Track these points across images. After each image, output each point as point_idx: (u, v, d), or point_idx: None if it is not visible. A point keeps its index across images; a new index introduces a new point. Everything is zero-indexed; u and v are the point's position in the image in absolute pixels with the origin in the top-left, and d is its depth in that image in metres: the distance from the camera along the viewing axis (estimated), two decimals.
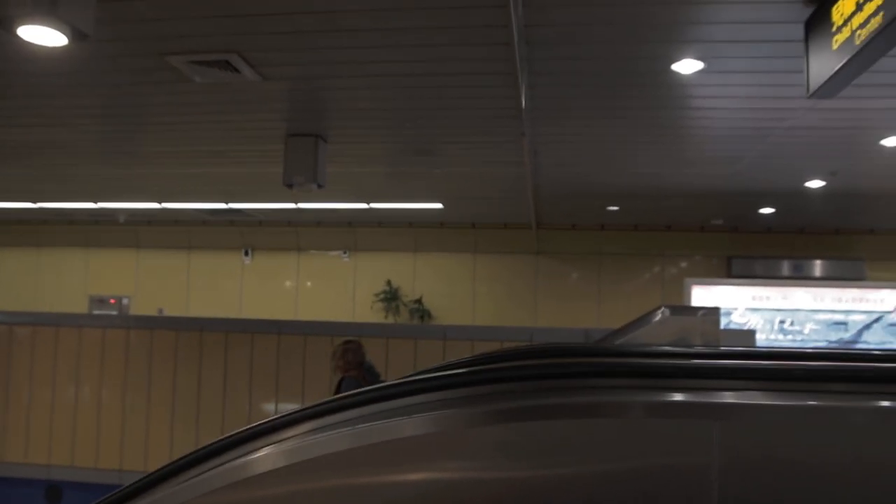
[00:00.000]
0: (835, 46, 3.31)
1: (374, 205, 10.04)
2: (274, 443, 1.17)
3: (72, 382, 6.82)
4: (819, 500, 0.85)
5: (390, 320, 11.50)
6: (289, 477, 1.08)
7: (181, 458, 1.18)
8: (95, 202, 10.45)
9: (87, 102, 5.82)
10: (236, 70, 4.84)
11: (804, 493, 0.85)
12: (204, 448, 1.18)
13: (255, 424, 1.21)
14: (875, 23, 2.87)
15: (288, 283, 12.33)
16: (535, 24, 4.18)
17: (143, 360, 6.72)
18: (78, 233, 12.52)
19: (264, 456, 1.13)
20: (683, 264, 11.56)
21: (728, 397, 0.97)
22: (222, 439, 1.23)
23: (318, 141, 6.50)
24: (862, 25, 3.00)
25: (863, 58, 3.12)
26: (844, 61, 3.21)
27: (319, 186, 6.61)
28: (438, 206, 9.95)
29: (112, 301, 12.51)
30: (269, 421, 1.20)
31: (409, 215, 10.95)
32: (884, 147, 6.40)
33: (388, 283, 11.73)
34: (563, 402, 1.00)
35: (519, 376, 1.07)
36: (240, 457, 1.17)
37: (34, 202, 10.69)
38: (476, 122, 6.06)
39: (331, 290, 12.00)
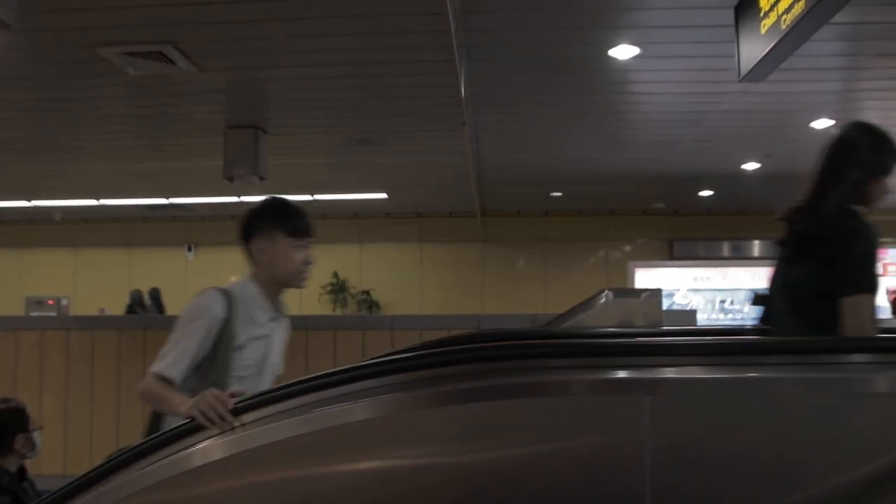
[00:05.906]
0: (763, 31, 3.41)
1: (318, 196, 9.94)
2: (214, 435, 1.16)
3: (8, 388, 6.61)
4: (743, 463, 0.89)
5: (338, 312, 11.42)
6: (231, 467, 1.08)
7: (118, 454, 1.16)
8: (29, 200, 10.11)
9: (15, 96, 5.62)
10: (171, 61, 4.73)
11: (728, 450, 0.89)
12: (140, 445, 1.16)
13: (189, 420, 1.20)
14: (798, 8, 2.97)
15: (233, 279, 12.08)
16: (472, 11, 4.19)
17: (85, 362, 6.55)
18: (11, 233, 12.09)
19: (204, 448, 1.13)
20: (627, 248, 11.75)
21: (657, 373, 1.00)
22: (163, 433, 1.22)
23: (258, 132, 6.40)
24: (787, 10, 3.09)
25: (789, 41, 3.22)
26: (772, 45, 3.31)
27: (261, 179, 6.51)
28: (383, 195, 9.91)
29: (50, 302, 12.12)
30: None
31: (353, 206, 10.89)
32: (814, 129, 6.60)
33: (335, 274, 11.64)
34: (490, 385, 1.01)
35: (455, 360, 1.08)
36: (182, 450, 1.15)
37: None
38: (417, 111, 6.05)
39: None
